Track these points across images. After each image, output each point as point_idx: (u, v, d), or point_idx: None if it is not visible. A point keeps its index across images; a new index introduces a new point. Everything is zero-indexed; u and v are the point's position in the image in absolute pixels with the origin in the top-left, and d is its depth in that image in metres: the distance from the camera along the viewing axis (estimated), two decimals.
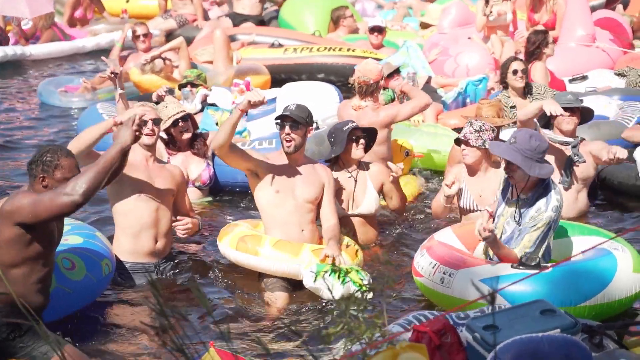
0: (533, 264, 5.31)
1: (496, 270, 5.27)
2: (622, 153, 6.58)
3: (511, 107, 8.15)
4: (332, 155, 6.49)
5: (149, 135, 6.08)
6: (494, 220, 5.59)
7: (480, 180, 6.50)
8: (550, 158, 6.09)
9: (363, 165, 6.61)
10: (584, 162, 6.74)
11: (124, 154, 5.04)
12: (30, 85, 12.63)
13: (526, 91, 8.42)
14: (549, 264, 5.37)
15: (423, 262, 5.63)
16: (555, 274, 5.24)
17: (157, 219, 6.03)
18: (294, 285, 5.88)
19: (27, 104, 11.63)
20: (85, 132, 5.98)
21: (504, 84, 8.39)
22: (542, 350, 3.46)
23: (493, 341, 3.61)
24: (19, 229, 4.64)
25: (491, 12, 10.84)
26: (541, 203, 5.37)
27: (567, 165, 6.74)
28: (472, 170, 6.54)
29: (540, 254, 5.45)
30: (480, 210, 6.31)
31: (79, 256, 5.51)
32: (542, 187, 5.40)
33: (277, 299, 5.79)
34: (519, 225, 5.43)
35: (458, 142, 6.55)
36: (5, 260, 4.68)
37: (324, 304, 5.64)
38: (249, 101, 5.81)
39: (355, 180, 6.53)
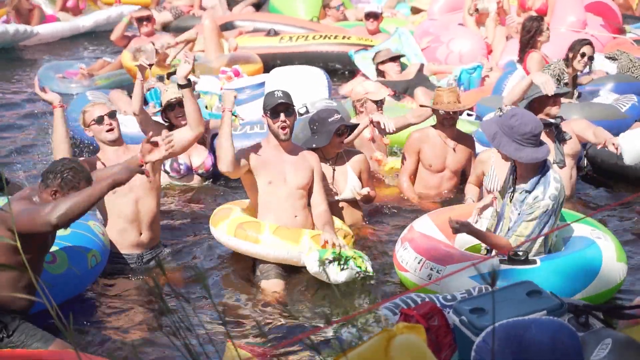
0: (522, 258, 5.23)
1: (485, 266, 5.21)
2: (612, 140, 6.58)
3: (565, 83, 8.20)
4: (314, 146, 6.47)
5: (109, 131, 6.00)
6: (500, 210, 5.50)
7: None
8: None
9: (342, 154, 6.65)
10: (570, 138, 6.77)
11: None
12: (29, 70, 12.57)
13: (577, 76, 8.38)
14: (537, 258, 5.31)
15: (407, 257, 5.56)
16: (546, 267, 5.23)
17: (137, 211, 6.03)
18: (288, 272, 5.93)
19: (27, 89, 11.62)
20: (55, 142, 5.97)
21: (568, 61, 8.25)
22: (529, 333, 3.49)
23: (480, 324, 3.66)
24: (11, 235, 4.64)
25: (476, 10, 11.01)
26: (539, 191, 5.25)
27: (558, 144, 6.75)
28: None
29: (536, 247, 5.38)
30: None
31: (62, 249, 5.44)
32: (540, 175, 5.28)
33: (273, 285, 5.84)
34: (519, 214, 5.31)
35: None
36: None
37: (319, 289, 5.70)
38: (235, 96, 5.84)
39: (334, 169, 6.59)
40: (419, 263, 5.44)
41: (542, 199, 5.24)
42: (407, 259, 5.55)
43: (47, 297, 3.02)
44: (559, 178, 5.35)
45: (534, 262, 5.25)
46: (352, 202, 6.70)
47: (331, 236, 5.78)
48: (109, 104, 6.21)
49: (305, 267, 5.78)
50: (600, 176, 7.80)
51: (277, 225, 5.94)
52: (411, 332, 3.34)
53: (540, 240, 5.38)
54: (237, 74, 9.79)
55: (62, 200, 4.61)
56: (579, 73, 8.40)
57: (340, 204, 6.64)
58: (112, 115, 6.05)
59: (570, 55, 8.23)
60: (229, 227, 5.99)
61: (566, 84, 8.21)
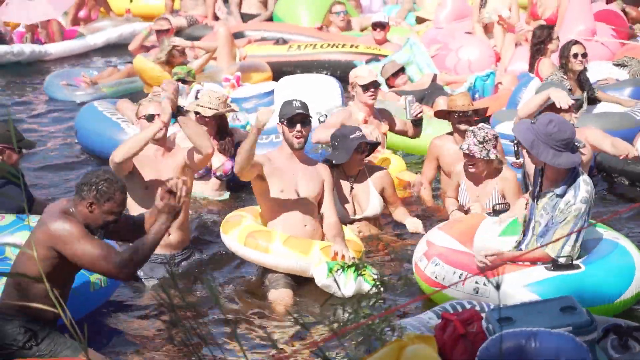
0: (567, 263, 5.20)
1: (534, 274, 5.19)
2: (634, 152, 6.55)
3: (569, 89, 8.19)
4: (335, 162, 6.47)
5: None
6: (529, 213, 5.42)
7: (480, 183, 6.55)
8: None
9: (364, 171, 6.65)
10: (584, 146, 6.75)
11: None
12: (40, 78, 12.59)
13: (581, 78, 8.33)
14: (580, 263, 5.27)
15: (442, 272, 5.46)
16: (591, 271, 5.20)
17: None
18: (297, 282, 5.92)
19: (36, 99, 11.62)
20: (133, 139, 6.01)
21: (564, 67, 8.28)
22: (530, 343, 3.50)
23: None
24: (52, 251, 4.63)
25: (485, 17, 11.03)
26: (570, 195, 5.18)
27: None
28: (473, 175, 6.57)
29: (575, 251, 5.31)
30: (470, 209, 6.42)
31: None
32: (570, 179, 5.20)
33: (282, 295, 5.83)
34: (552, 219, 5.24)
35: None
36: (30, 274, 4.64)
37: (328, 299, 5.67)
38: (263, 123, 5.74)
39: (352, 187, 6.60)
40: (460, 278, 5.35)
41: (573, 204, 5.17)
42: (442, 275, 5.46)
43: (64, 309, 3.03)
44: (589, 180, 5.28)
45: (579, 267, 5.22)
46: (373, 220, 6.68)
47: (341, 248, 5.78)
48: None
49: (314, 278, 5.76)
50: (608, 182, 7.76)
51: (288, 235, 5.93)
52: (422, 343, 3.35)
53: (578, 244, 5.31)
54: (238, 80, 9.82)
55: (136, 252, 4.65)
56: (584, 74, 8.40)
57: (361, 222, 6.62)
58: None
59: (563, 61, 8.23)
60: (239, 235, 5.98)
61: (570, 90, 8.20)
